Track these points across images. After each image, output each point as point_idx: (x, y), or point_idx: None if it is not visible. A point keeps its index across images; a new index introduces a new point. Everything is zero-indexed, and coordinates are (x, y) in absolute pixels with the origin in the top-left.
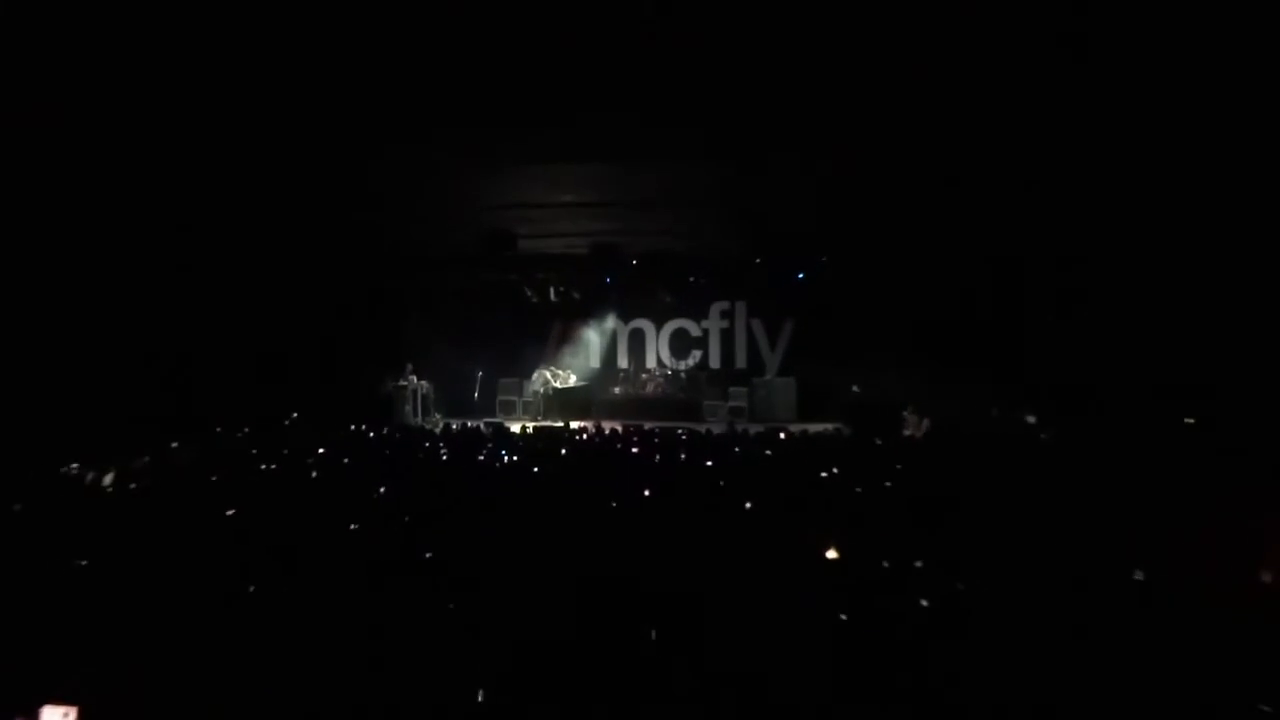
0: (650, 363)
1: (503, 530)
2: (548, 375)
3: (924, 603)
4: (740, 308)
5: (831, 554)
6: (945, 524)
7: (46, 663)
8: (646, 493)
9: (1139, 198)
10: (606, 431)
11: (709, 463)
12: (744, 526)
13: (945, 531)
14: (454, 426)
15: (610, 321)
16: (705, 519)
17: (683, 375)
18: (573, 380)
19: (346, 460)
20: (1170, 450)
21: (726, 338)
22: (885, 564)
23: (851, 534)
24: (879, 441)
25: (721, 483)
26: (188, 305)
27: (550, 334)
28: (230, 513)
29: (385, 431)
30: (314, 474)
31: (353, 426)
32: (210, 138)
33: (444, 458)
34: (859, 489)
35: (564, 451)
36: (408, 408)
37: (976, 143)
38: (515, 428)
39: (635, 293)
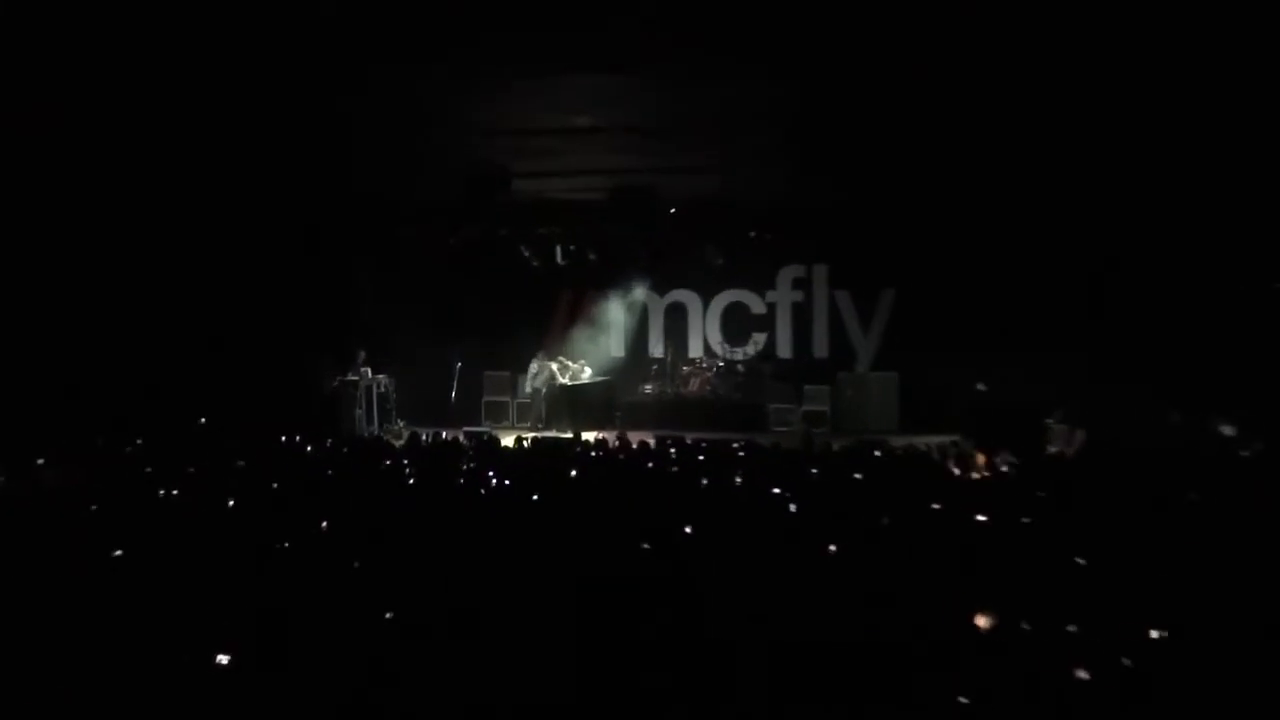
0: (695, 350)
1: (487, 585)
2: (552, 368)
3: (1102, 682)
4: (820, 274)
5: (982, 622)
6: (1111, 573)
7: None
8: (688, 529)
9: None
10: (633, 445)
11: (775, 489)
12: (826, 579)
13: (1115, 584)
14: (423, 437)
15: (639, 293)
16: (771, 569)
17: (740, 368)
18: (587, 375)
19: (275, 485)
20: None
21: (801, 316)
22: (1032, 628)
23: (987, 589)
24: (1014, 461)
25: (794, 517)
26: (54, 261)
27: (556, 311)
28: (117, 554)
29: (327, 445)
30: (230, 503)
31: (282, 438)
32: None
33: (407, 481)
34: (988, 526)
35: (574, 473)
36: (359, 411)
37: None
38: (508, 439)
39: (674, 253)
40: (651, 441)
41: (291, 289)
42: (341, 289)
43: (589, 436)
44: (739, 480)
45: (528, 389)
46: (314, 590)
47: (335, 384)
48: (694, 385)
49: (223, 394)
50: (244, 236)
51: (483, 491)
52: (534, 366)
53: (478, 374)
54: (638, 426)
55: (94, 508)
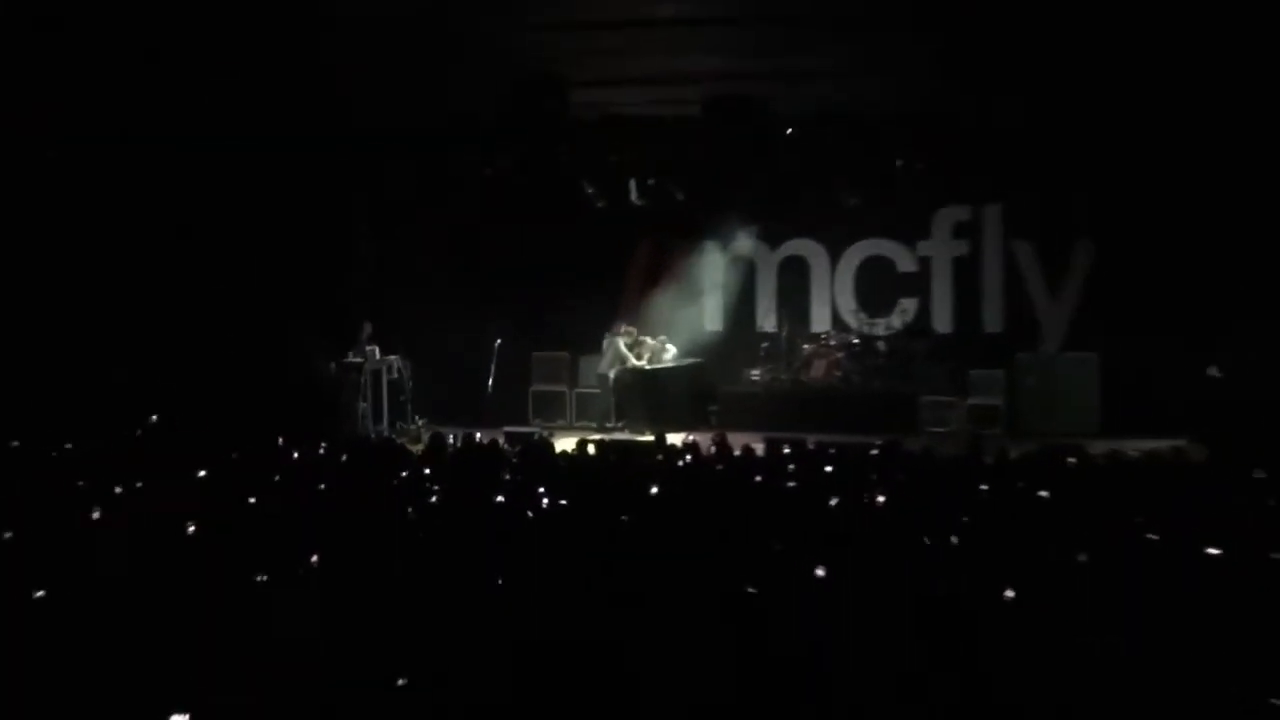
0: (820, 323)
1: (536, 650)
2: (620, 346)
3: None
4: (993, 218)
5: None
6: None
7: None
8: (821, 573)
9: None
10: (735, 451)
11: (929, 509)
12: (999, 643)
13: None
14: (449, 440)
15: (744, 245)
16: (926, 629)
17: (881, 347)
18: (671, 356)
19: (248, 504)
20: None
21: (965, 275)
22: None
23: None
24: (1261, 475)
25: (956, 551)
26: None
27: (630, 269)
28: (38, 596)
29: (320, 450)
30: (188, 528)
31: (259, 441)
32: None
33: (428, 500)
34: (1230, 563)
35: (654, 490)
36: (362, 405)
37: None
38: (565, 443)
39: (791, 189)
40: (760, 447)
41: (273, 242)
42: (340, 243)
43: (675, 439)
44: (881, 501)
45: (595, 374)
46: (298, 646)
47: (332, 368)
48: (818, 370)
49: (180, 381)
50: (208, 172)
51: (530, 515)
52: (606, 345)
53: (524, 355)
54: (741, 426)
55: (5, 535)
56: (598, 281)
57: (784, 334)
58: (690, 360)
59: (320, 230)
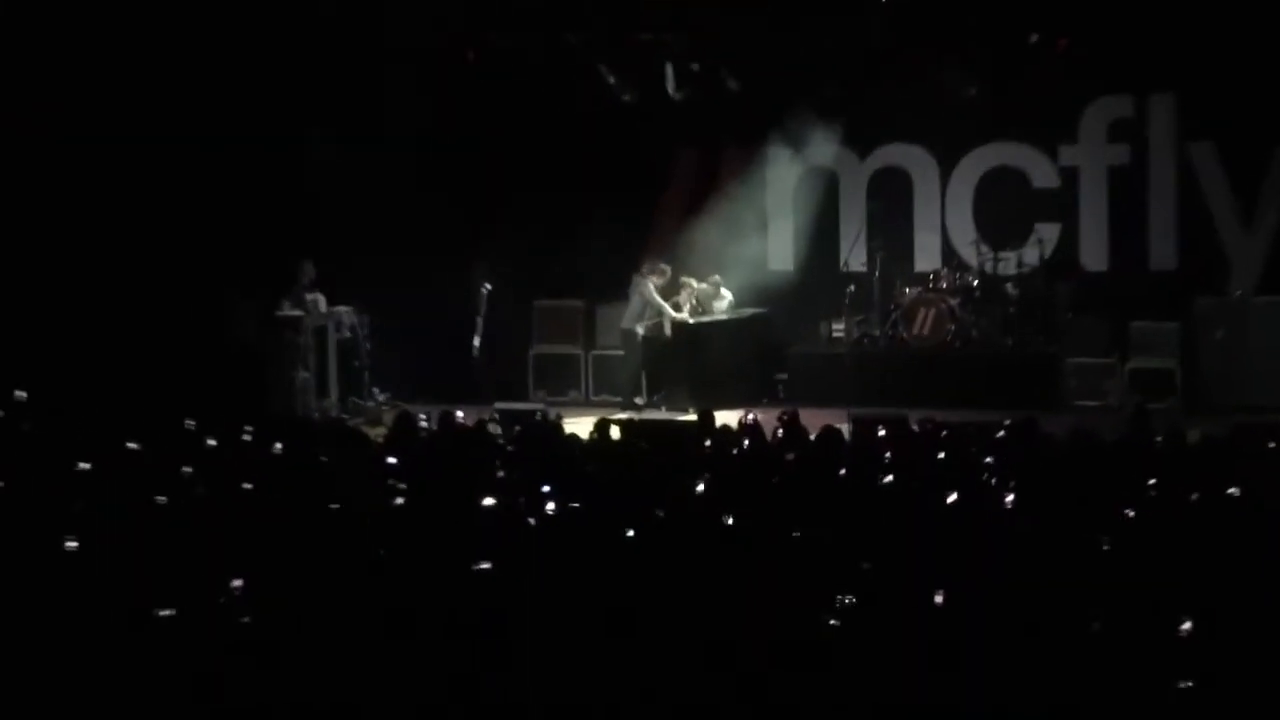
0: (927, 260)
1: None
2: (651, 292)
3: None
4: (1162, 112)
5: None
6: None
7: None
8: (940, 599)
9: None
10: (809, 435)
11: (1079, 512)
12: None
13: None
14: (422, 421)
15: (822, 150)
16: (1079, 662)
17: (1011, 290)
18: (724, 304)
19: (147, 507)
20: None
21: (1126, 192)
22: None
23: None
24: None
25: (1115, 566)
26: None
27: (668, 187)
28: None
29: (245, 434)
30: (68, 543)
31: (163, 422)
32: None
33: (391, 503)
34: None
35: (701, 488)
36: (302, 374)
37: None
38: (579, 424)
39: (887, 78)
40: (845, 428)
41: (178, 147)
42: (274, 150)
43: (728, 419)
44: (1010, 500)
45: (622, 330)
46: (213, 704)
47: (262, 323)
48: (924, 324)
49: (53, 345)
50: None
51: (532, 522)
52: (635, 288)
53: (523, 306)
54: (819, 400)
55: None
56: (623, 205)
57: (877, 275)
58: (749, 311)
59: (245, 130)
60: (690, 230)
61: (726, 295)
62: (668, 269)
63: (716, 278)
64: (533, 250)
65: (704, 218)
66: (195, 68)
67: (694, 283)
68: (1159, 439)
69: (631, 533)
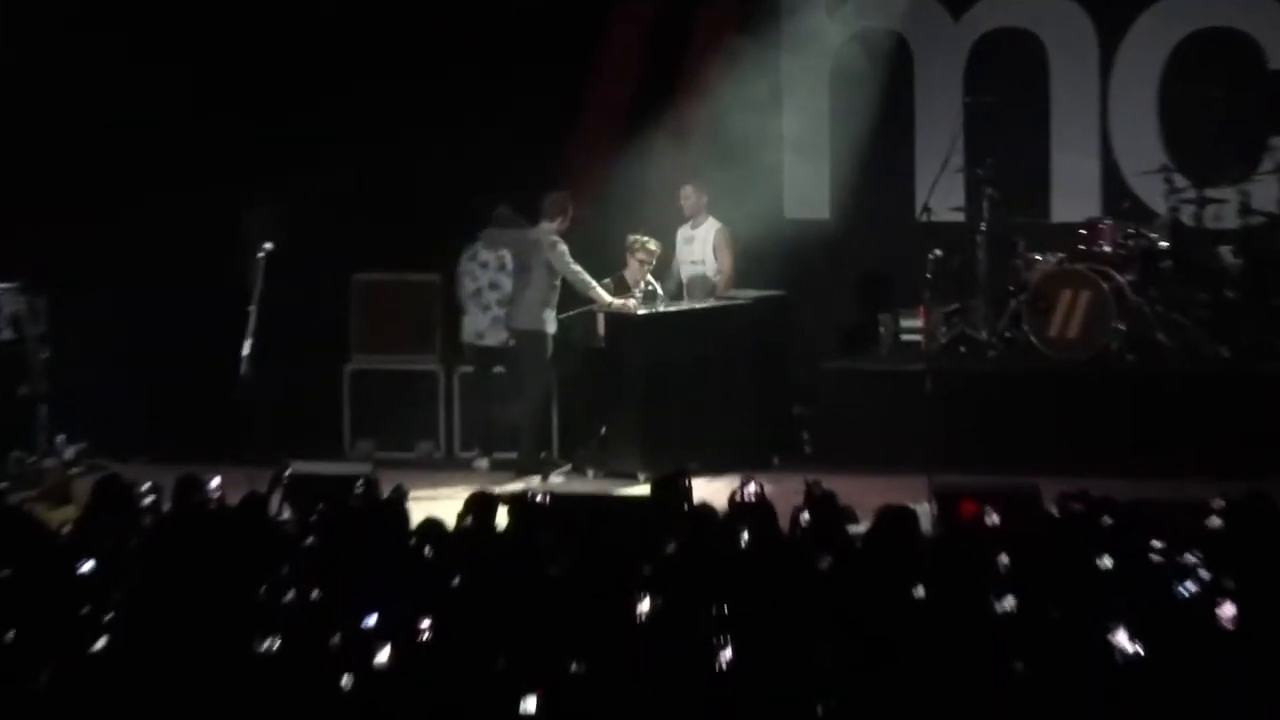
0: (1074, 203)
1: None
2: (560, 255)
3: None
4: None
5: None
6: None
7: None
8: None
9: None
10: (856, 524)
11: None
12: None
13: None
14: (144, 495)
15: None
16: None
17: (1229, 256)
18: (699, 271)
19: None
20: None
21: None
22: None
23: None
24: None
25: None
26: None
27: (601, 71)
28: None
29: None
30: None
31: None
32: None
33: (94, 649)
34: None
35: (646, 608)
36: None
37: None
38: (436, 505)
39: None
40: (924, 507)
41: None
42: None
43: (709, 492)
44: (1232, 622)
45: (527, 332)
46: None
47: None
48: (1070, 318)
49: None
50: None
51: (346, 684)
52: (551, 254)
53: (333, 280)
54: (874, 457)
55: None
56: (516, 104)
57: (983, 231)
58: (748, 295)
59: None
60: (640, 151)
61: (706, 262)
62: (651, 244)
63: (691, 230)
64: (351, 187)
65: (665, 129)
66: None
67: (649, 244)
68: None
69: (530, 711)
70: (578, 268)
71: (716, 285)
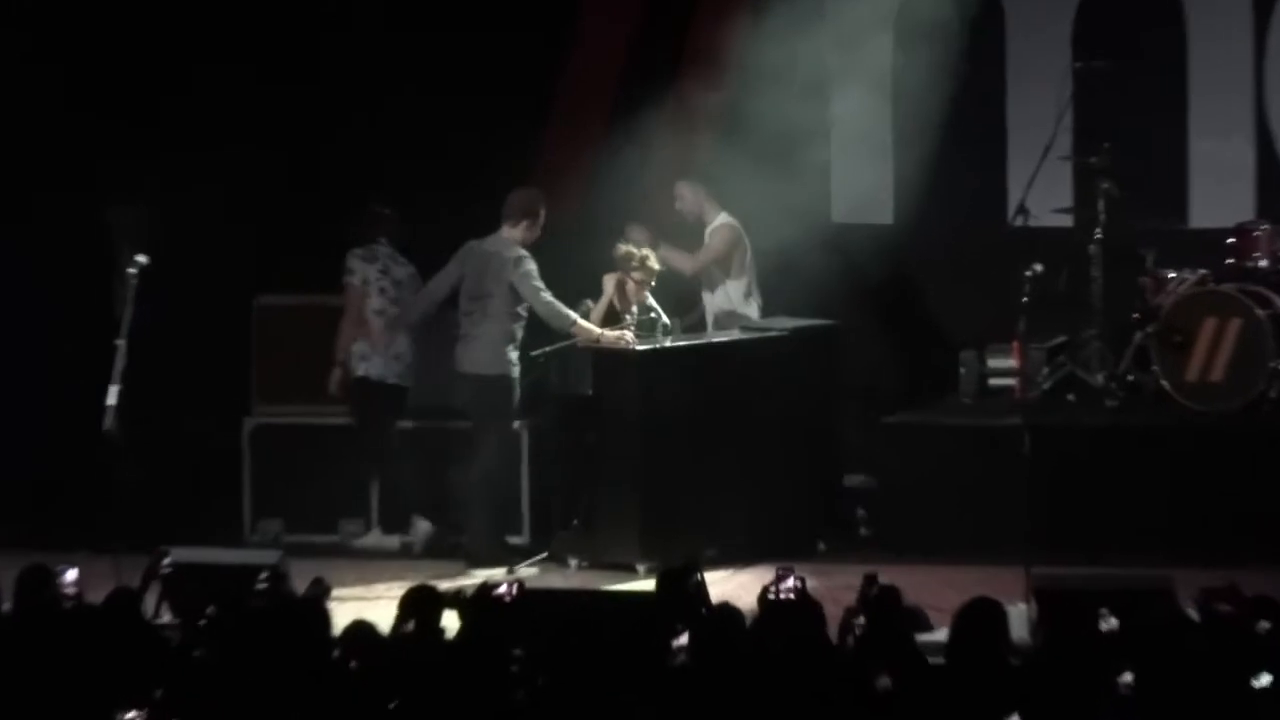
0: (1218, 202)
1: None
2: (525, 273)
3: None
4: None
5: None
6: None
7: None
8: None
9: None
10: (932, 633)
11: None
12: None
13: None
14: None
15: None
16: None
17: None
18: (729, 297)
19: None
20: None
21: None
22: None
23: None
24: None
25: None
26: None
27: (583, 37)
28: None
29: None
30: None
31: None
32: None
33: None
34: None
35: None
36: None
37: None
38: (367, 607)
39: None
40: (1020, 608)
41: None
42: None
43: (732, 588)
44: None
45: (483, 379)
46: None
47: None
48: (1215, 354)
49: None
50: None
51: None
52: (513, 272)
53: (232, 305)
54: (950, 541)
55: None
56: (474, 89)
57: (1099, 238)
58: (784, 326)
59: None
60: (636, 137)
61: (727, 290)
62: (651, 258)
63: (726, 221)
64: (251, 185)
65: (669, 111)
66: None
67: (648, 258)
68: None
69: None
70: (549, 295)
71: (743, 315)
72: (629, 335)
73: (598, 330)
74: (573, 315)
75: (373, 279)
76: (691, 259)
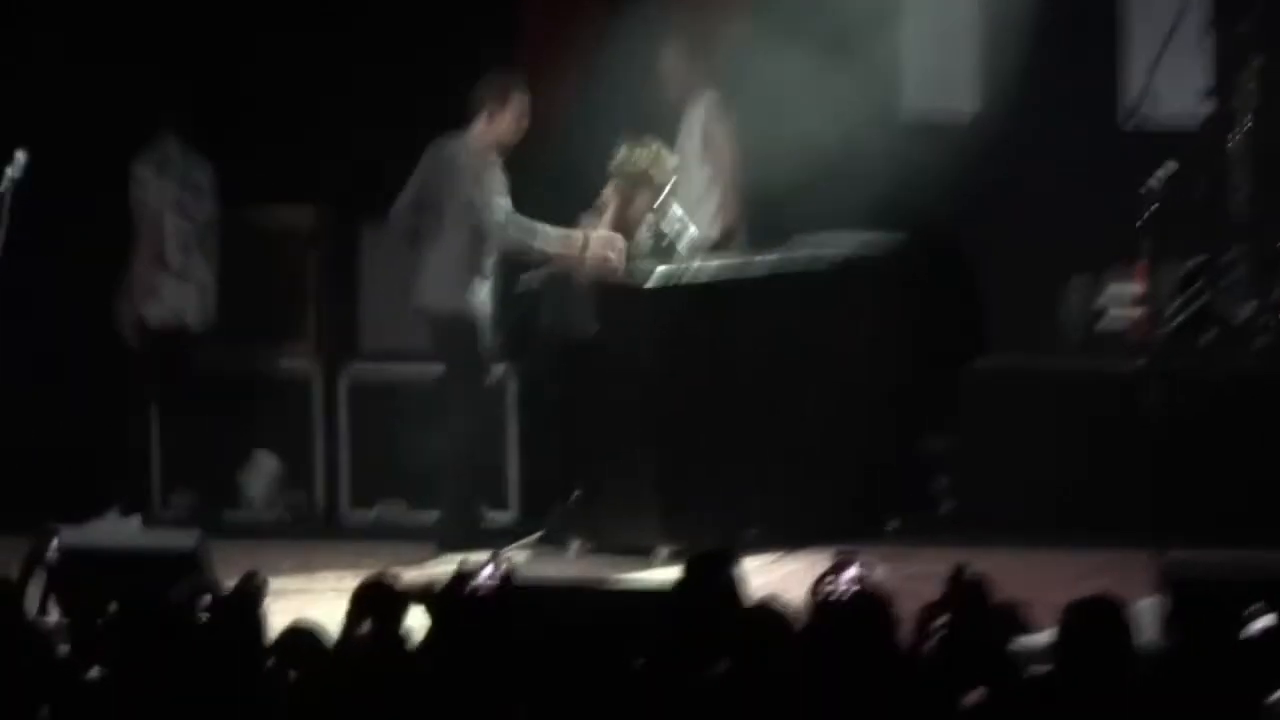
0: None
1: None
2: (488, 193)
3: None
4: None
5: None
6: None
7: None
8: None
9: None
10: (1032, 634)
11: None
12: None
13: None
14: None
15: None
16: None
17: None
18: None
19: None
20: None
21: None
22: None
23: None
24: None
25: None
26: None
27: None
28: None
29: None
30: None
31: None
32: None
33: None
34: None
35: None
36: None
37: None
38: (313, 602)
39: None
40: (1147, 604)
41: None
42: None
43: (781, 578)
44: None
45: (450, 317)
46: None
47: None
48: None
49: None
50: None
51: None
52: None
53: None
54: (1057, 518)
55: None
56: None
57: (1245, 126)
58: (836, 244)
59: None
60: (641, 21)
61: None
62: (666, 156)
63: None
64: (155, 56)
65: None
66: None
67: (662, 155)
68: None
69: None
70: (508, 211)
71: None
72: (619, 242)
73: (578, 235)
74: (551, 234)
75: (169, 193)
76: (731, 175)
